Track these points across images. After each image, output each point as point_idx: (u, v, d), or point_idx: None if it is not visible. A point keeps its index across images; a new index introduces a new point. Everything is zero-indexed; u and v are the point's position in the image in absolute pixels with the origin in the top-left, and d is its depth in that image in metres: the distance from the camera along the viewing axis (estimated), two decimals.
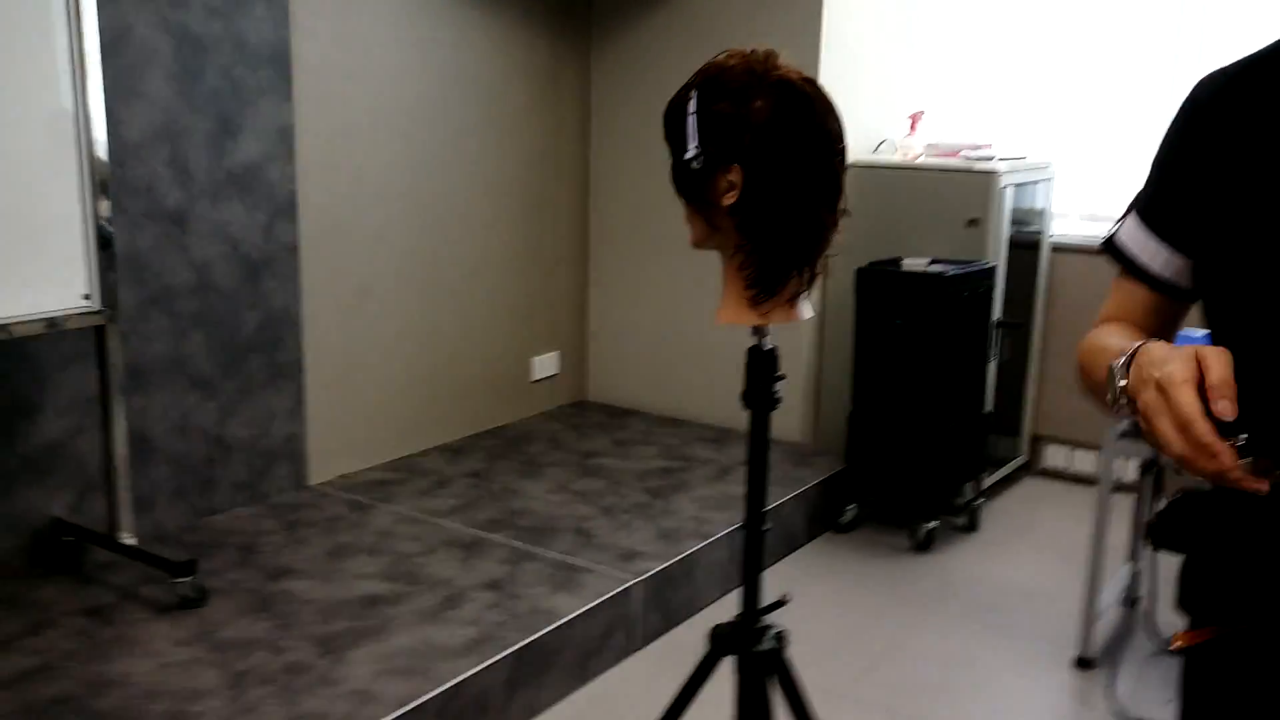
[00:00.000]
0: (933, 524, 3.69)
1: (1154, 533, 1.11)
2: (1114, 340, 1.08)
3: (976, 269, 3.66)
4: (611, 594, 2.84)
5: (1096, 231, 4.18)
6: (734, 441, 4.11)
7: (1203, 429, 0.85)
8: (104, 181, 2.59)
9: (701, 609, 3.18)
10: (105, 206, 2.59)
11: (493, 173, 4.06)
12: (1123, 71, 4.21)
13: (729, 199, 1.44)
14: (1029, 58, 4.44)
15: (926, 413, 3.63)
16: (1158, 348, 0.93)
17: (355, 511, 3.35)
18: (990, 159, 3.90)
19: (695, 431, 4.26)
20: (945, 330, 3.58)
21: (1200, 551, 1.15)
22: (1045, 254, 4.31)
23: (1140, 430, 0.92)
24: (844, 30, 3.97)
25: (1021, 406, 4.36)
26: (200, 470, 3.21)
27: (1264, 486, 0.87)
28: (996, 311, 3.83)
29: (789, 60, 1.45)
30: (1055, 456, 4.48)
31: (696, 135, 1.43)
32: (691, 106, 1.43)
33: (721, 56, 1.45)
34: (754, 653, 1.64)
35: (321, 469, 3.57)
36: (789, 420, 4.06)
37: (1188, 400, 0.86)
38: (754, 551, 1.65)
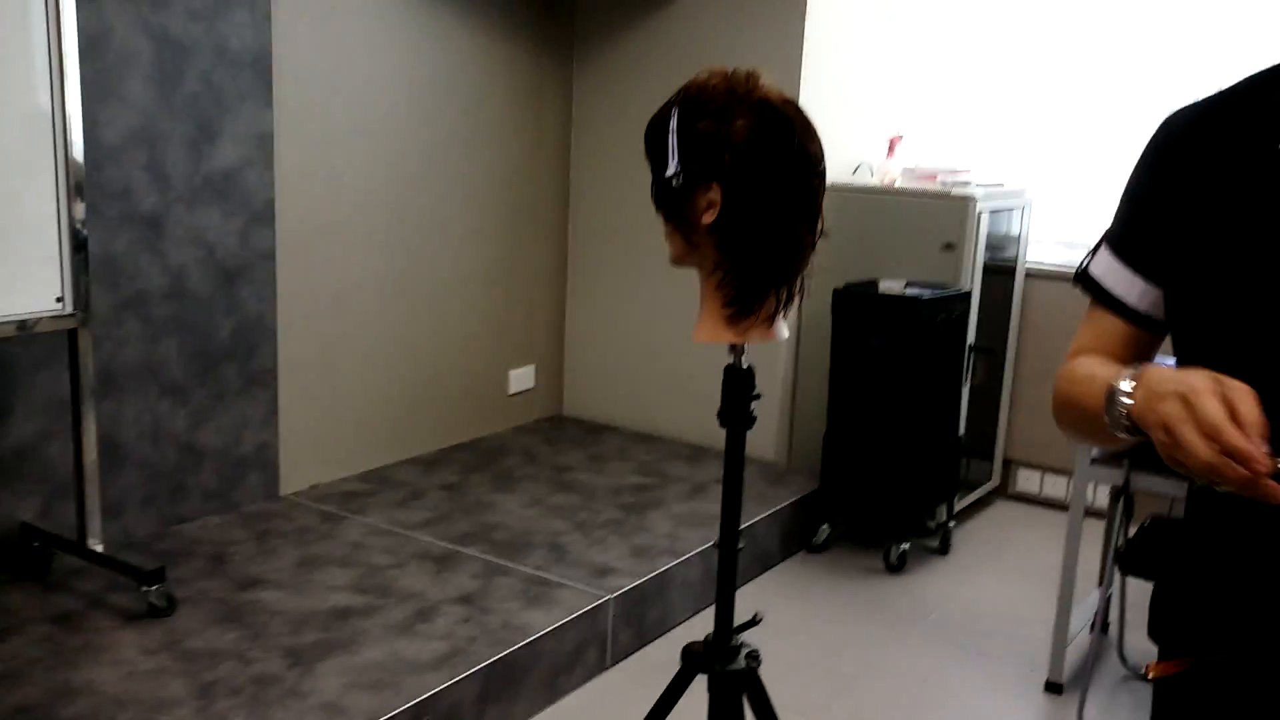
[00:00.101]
0: (905, 545, 3.70)
1: (1124, 559, 1.12)
2: (1101, 370, 1.09)
3: (952, 293, 3.69)
4: (584, 610, 2.83)
5: (1071, 258, 4.22)
6: (709, 459, 4.11)
7: (1234, 434, 0.86)
8: (80, 184, 2.57)
9: (674, 627, 3.17)
10: (80, 209, 2.57)
11: (472, 184, 4.05)
12: (1099, 100, 4.27)
13: (708, 217, 1.45)
14: (1007, 85, 4.50)
15: (901, 434, 3.65)
16: (1166, 368, 0.95)
17: (327, 522, 3.32)
18: (967, 184, 3.93)
19: (670, 448, 4.26)
20: (920, 353, 3.61)
21: (1171, 579, 1.15)
22: (1020, 280, 4.35)
23: (1127, 449, 0.93)
24: (825, 53, 4.00)
25: (994, 430, 4.38)
26: (171, 477, 3.18)
27: None
28: (971, 336, 3.86)
29: (770, 81, 1.46)
30: (1027, 481, 4.51)
31: (677, 153, 1.44)
32: (673, 124, 1.44)
33: (703, 75, 1.46)
34: (727, 671, 1.64)
35: (294, 479, 3.54)
36: (764, 439, 4.07)
37: (1214, 408, 0.87)
38: (728, 570, 1.65)
